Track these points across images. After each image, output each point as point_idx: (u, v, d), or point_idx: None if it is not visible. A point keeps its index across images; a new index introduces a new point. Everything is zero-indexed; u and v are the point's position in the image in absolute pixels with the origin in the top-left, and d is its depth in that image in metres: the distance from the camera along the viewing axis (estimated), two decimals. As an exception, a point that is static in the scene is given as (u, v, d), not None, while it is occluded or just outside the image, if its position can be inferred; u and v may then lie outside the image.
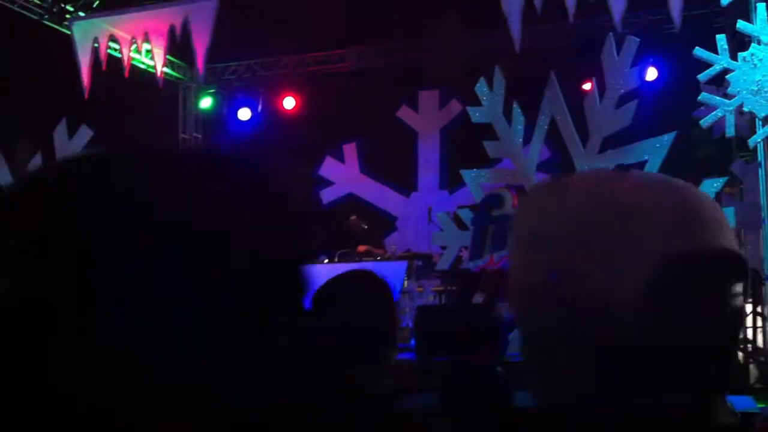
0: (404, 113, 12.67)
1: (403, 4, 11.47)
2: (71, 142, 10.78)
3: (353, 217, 11.73)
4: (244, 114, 13.66)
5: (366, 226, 11.80)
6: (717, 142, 10.02)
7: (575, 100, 10.01)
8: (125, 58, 11.00)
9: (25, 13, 10.79)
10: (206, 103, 13.90)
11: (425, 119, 12.68)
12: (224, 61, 12.68)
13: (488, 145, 10.47)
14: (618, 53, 9.19)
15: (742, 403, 4.80)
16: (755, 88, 7.75)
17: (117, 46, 11.06)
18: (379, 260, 11.18)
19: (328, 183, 12.84)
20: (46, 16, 11.03)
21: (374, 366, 2.09)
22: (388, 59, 12.62)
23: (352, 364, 1.98)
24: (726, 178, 8.33)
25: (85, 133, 10.86)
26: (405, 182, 12.84)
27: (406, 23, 11.90)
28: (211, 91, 13.78)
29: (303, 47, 12.92)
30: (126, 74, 10.96)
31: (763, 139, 8.04)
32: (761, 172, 8.16)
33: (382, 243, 11.90)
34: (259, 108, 13.50)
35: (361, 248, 11.30)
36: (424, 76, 12.74)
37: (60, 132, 10.82)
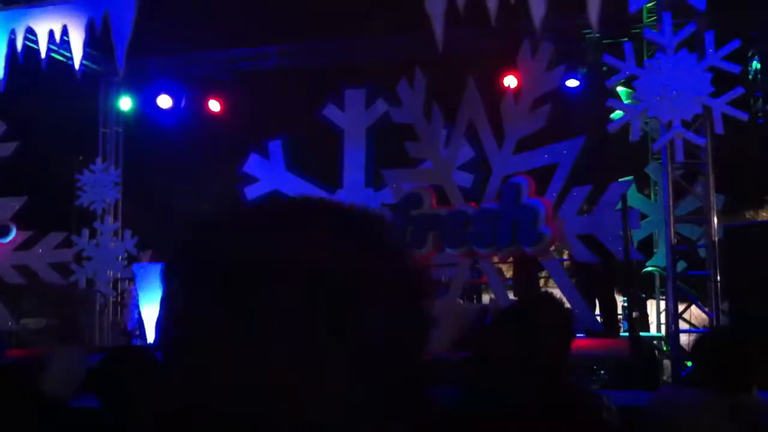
0: (330, 112, 12.63)
1: (329, 2, 11.48)
2: (-17, 136, 10.57)
3: None
4: (164, 101, 13.27)
5: None
6: (634, 145, 10.26)
7: (495, 102, 10.16)
8: (43, 51, 10.76)
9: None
10: (126, 104, 13.54)
11: (351, 118, 12.66)
12: (146, 55, 12.48)
13: (409, 146, 10.57)
14: (534, 57, 9.36)
15: (629, 397, 4.94)
16: (660, 94, 7.93)
17: (35, 38, 10.82)
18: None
19: (252, 179, 12.75)
20: (-40, 6, 10.75)
21: None
22: (314, 58, 12.62)
23: None
24: (631, 180, 8.53)
25: (-2, 127, 10.66)
26: (331, 180, 12.79)
27: (333, 22, 11.91)
28: (129, 93, 13.44)
29: (228, 44, 12.82)
30: (44, 67, 10.72)
31: (667, 144, 8.25)
32: (665, 175, 8.37)
33: None
34: (183, 104, 13.28)
35: None
36: (350, 75, 12.75)
37: (-27, 125, 10.58)
